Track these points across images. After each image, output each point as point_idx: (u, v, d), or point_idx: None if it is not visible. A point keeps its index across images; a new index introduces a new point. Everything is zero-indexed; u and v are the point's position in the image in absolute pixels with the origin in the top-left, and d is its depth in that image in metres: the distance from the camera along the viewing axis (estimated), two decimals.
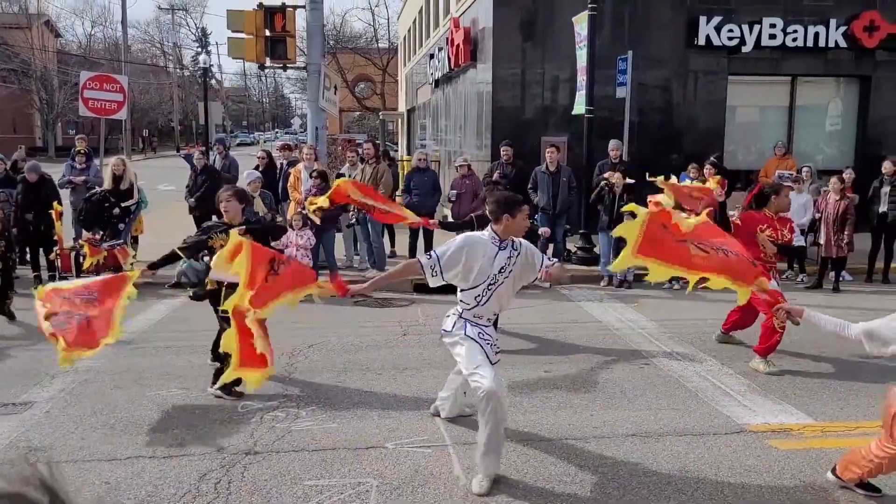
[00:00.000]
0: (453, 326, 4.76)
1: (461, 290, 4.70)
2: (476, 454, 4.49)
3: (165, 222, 14.17)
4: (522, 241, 4.74)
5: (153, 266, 6.29)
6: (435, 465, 4.73)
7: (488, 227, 4.70)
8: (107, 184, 10.37)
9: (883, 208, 11.09)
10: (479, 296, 4.61)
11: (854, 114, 15.30)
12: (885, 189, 11.18)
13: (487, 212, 4.77)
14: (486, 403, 4.36)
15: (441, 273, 4.60)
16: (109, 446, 5.02)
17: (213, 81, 63.53)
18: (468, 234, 4.78)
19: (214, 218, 9.91)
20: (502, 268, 4.58)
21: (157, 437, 5.20)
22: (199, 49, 65.37)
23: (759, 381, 6.41)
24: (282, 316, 8.90)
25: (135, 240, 11.27)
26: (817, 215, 10.57)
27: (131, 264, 9.28)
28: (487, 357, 4.56)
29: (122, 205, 10.13)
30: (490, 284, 4.58)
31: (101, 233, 9.82)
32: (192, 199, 11.93)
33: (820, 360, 7.04)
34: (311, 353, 7.32)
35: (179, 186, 13.39)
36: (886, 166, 11.30)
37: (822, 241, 10.47)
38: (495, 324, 5.03)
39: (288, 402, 5.90)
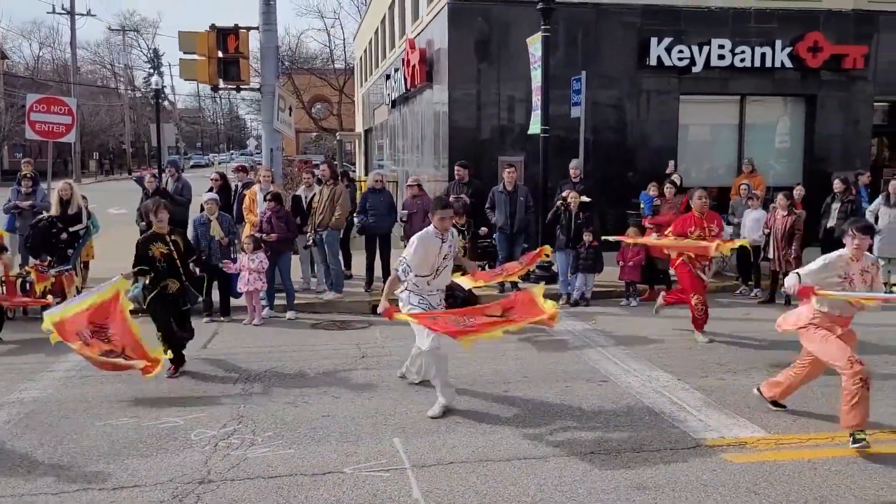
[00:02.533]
0: (403, 301, 6.43)
1: (415, 275, 6.17)
2: (437, 392, 6.10)
3: (117, 246, 13.85)
4: (453, 231, 6.47)
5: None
6: (394, 489, 4.67)
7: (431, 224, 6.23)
8: (54, 209, 10.12)
9: (831, 223, 11.46)
10: (429, 276, 6.23)
11: (801, 131, 15.74)
12: (836, 205, 11.54)
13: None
14: (428, 357, 6.23)
15: (410, 270, 6.13)
16: (56, 479, 4.85)
17: (166, 103, 62.78)
18: (420, 234, 6.23)
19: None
20: (445, 255, 6.25)
21: (106, 468, 5.04)
22: (152, 70, 64.48)
23: (714, 396, 6.49)
24: (236, 340, 8.79)
25: (85, 265, 11.02)
26: (766, 231, 10.80)
27: (77, 290, 9.05)
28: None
29: (71, 230, 9.90)
30: (438, 268, 6.24)
31: (49, 259, 9.58)
32: (144, 223, 11.69)
33: (772, 374, 7.14)
34: (266, 377, 7.19)
35: (131, 210, 13.12)
36: (836, 184, 11.66)
37: (771, 256, 10.69)
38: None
39: (243, 428, 5.78)
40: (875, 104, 15.96)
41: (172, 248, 7.31)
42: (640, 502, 4.47)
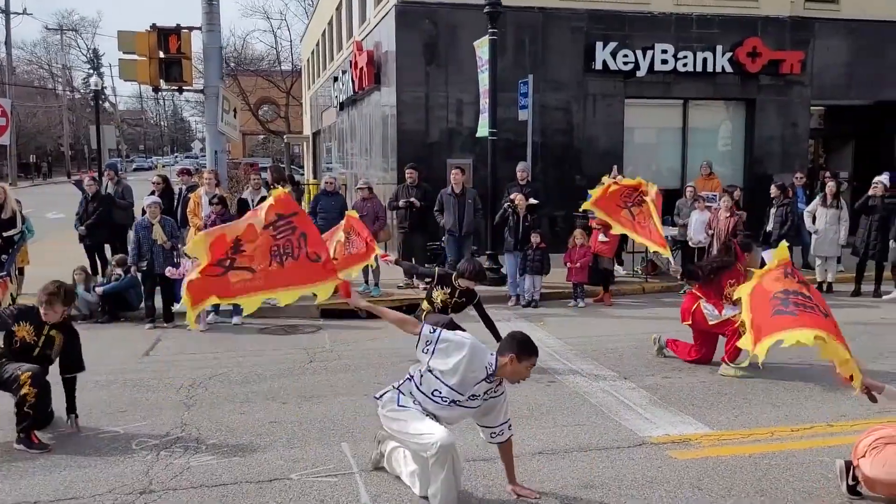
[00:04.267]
0: (384, 398, 4.54)
1: (438, 375, 4.33)
2: None
3: (54, 252, 13.47)
4: (505, 388, 4.53)
5: None
6: (341, 494, 4.61)
7: (491, 354, 4.35)
8: None
9: (769, 227, 11.80)
10: (443, 397, 4.32)
11: (742, 135, 16.16)
12: (773, 210, 11.87)
13: (499, 342, 4.57)
14: (441, 455, 4.10)
15: (431, 355, 4.31)
16: None
17: (107, 104, 61.21)
18: (477, 345, 4.34)
19: (108, 247, 9.42)
20: (474, 395, 4.32)
21: (43, 480, 4.86)
22: (91, 71, 62.87)
23: (659, 394, 6.59)
24: (180, 346, 8.60)
25: (20, 271, 10.64)
26: (710, 232, 11.03)
27: (12, 298, 8.74)
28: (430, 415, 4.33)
29: (4, 234, 9.55)
30: (454, 401, 4.31)
31: None
32: (83, 228, 11.39)
33: (715, 372, 7.31)
34: (211, 384, 7.05)
35: (70, 214, 12.74)
36: (773, 190, 12.00)
37: None
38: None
39: (186, 436, 5.65)
40: (812, 108, 16.49)
41: (42, 342, 5.71)
42: (588, 500, 4.51)
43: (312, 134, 32.20)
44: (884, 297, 10.95)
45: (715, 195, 12.38)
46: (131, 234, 9.50)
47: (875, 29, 15.94)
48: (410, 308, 10.70)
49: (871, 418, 5.91)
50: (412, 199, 11.35)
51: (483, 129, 12.28)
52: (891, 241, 10.86)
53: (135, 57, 11.07)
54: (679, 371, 7.35)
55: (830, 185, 11.79)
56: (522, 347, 4.30)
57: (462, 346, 4.27)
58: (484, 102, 12.21)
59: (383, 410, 4.47)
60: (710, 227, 11.06)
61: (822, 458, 5.08)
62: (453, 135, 14.52)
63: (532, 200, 10.96)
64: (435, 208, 11.33)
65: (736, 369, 7.17)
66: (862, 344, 8.12)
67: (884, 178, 11.81)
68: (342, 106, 21.41)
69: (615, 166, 14.08)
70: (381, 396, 4.55)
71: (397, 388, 4.51)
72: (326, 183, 11.50)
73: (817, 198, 12.11)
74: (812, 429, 5.70)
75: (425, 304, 7.56)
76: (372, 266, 10.36)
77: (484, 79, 12.11)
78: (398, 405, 4.40)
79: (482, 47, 12.08)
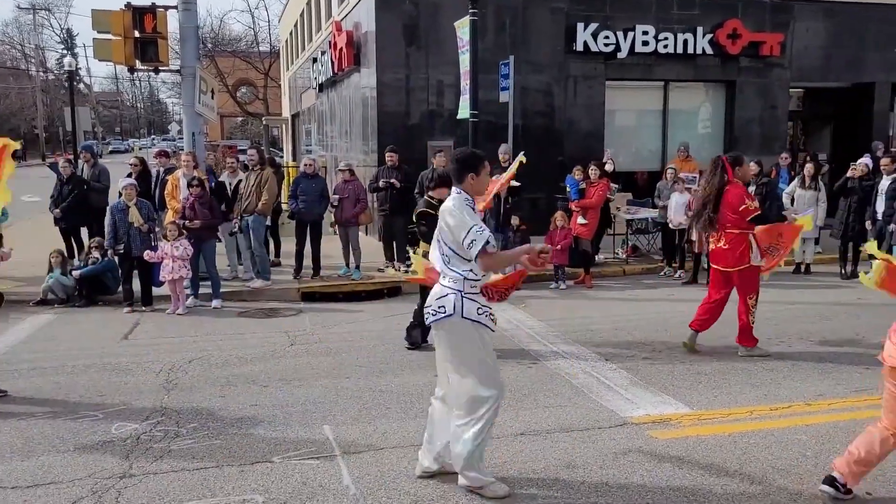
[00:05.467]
0: (459, 307, 4.18)
1: (465, 263, 4.18)
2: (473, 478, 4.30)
3: (28, 235, 13.28)
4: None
5: None
6: (324, 477, 4.60)
7: (454, 191, 4.29)
8: None
9: None
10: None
11: (722, 116, 16.20)
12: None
13: (450, 171, 4.46)
14: (490, 405, 4.22)
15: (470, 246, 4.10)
16: None
17: (81, 85, 60.13)
18: (463, 205, 4.19)
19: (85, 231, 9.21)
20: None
21: (21, 465, 4.80)
22: (65, 51, 61.81)
23: (640, 375, 6.63)
24: (159, 330, 8.53)
25: None
26: (689, 213, 11.05)
27: None
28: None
29: None
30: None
31: None
32: (58, 211, 11.23)
33: (695, 353, 7.36)
34: (191, 368, 6.99)
35: (45, 197, 12.55)
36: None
37: (693, 238, 10.97)
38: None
39: (167, 420, 5.60)
40: (791, 90, 16.57)
41: None
42: (570, 480, 4.53)
43: (292, 116, 31.91)
44: (860, 279, 11.07)
45: (695, 177, 12.41)
46: (107, 217, 9.36)
47: (853, 11, 16.02)
48: (392, 291, 10.71)
49: (848, 397, 6.01)
50: (392, 181, 11.29)
51: (464, 111, 12.20)
52: (867, 223, 10.97)
53: (109, 36, 10.85)
54: (659, 352, 7.40)
55: (809, 167, 11.88)
56: (468, 163, 4.29)
57: (455, 216, 4.16)
58: (465, 84, 12.12)
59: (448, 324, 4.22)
60: (690, 208, 11.09)
61: (800, 437, 5.14)
62: (434, 117, 14.43)
63: (513, 183, 10.93)
64: (416, 191, 11.28)
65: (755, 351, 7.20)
66: (839, 324, 8.23)
67: (866, 159, 11.91)
68: (321, 87, 21.20)
69: (608, 150, 14.08)
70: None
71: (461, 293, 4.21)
72: (306, 165, 11.40)
73: (796, 179, 12.20)
74: (790, 408, 5.77)
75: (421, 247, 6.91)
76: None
77: (465, 60, 12.02)
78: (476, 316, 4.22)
79: (463, 28, 11.98)
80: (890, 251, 10.83)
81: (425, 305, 4.42)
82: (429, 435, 4.56)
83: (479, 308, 4.24)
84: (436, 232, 4.41)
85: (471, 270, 4.22)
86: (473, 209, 4.28)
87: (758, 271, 7.25)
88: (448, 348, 4.32)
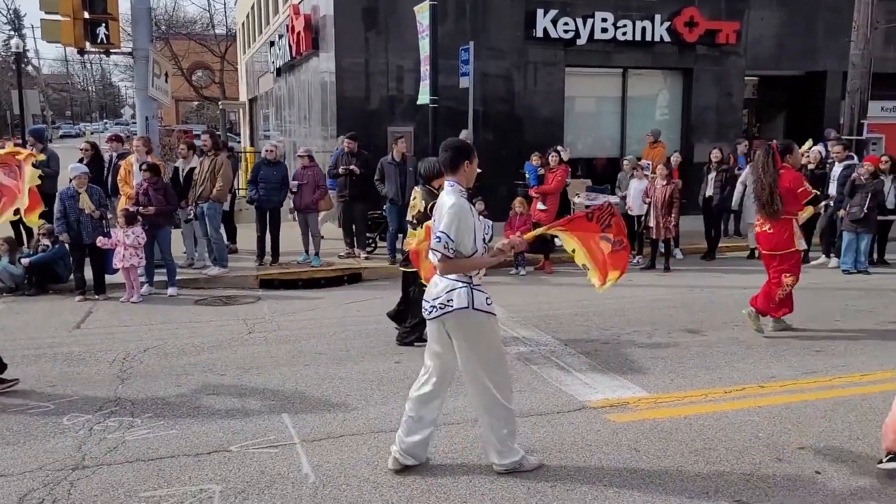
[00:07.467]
0: (470, 299, 4.16)
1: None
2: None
3: None
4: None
5: None
6: (282, 465, 4.56)
7: (448, 185, 4.29)
8: None
9: (709, 192, 12.06)
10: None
11: (679, 104, 16.40)
12: (712, 175, 12.12)
13: (441, 162, 4.40)
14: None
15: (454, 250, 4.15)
16: None
17: (30, 68, 58.41)
18: (455, 200, 4.18)
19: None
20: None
21: None
22: (12, 32, 59.80)
23: (599, 360, 6.70)
24: (113, 319, 8.35)
25: None
26: (647, 200, 11.20)
27: None
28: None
29: None
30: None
31: None
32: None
33: (653, 337, 7.47)
34: (146, 357, 6.86)
35: None
36: (715, 154, 12.23)
37: (651, 224, 11.11)
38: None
39: (121, 410, 5.49)
40: (746, 78, 16.83)
41: None
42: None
43: (249, 100, 31.44)
44: (811, 263, 11.34)
45: (649, 163, 12.56)
46: (57, 204, 9.11)
47: (806, 1, 16.31)
48: (352, 278, 10.64)
49: (799, 379, 6.15)
50: (352, 167, 11.20)
51: (424, 97, 12.15)
52: (819, 209, 11.20)
53: (58, 17, 10.54)
54: (618, 337, 7.48)
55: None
56: (464, 150, 4.35)
57: (461, 217, 4.18)
58: (425, 69, 12.07)
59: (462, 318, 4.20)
60: (648, 195, 11.23)
61: (753, 419, 5.25)
62: (394, 102, 14.34)
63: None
64: (375, 177, 11.20)
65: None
66: (794, 309, 8.39)
67: (820, 147, 12.15)
68: (279, 72, 20.91)
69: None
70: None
71: (469, 285, 4.23)
72: (267, 151, 11.15)
73: (748, 167, 12.39)
74: (744, 390, 5.89)
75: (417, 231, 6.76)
76: None
77: (424, 45, 11.95)
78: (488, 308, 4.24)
79: (422, 13, 11.91)
80: (840, 236, 11.17)
81: (425, 299, 4.36)
82: (406, 429, 4.45)
83: (487, 298, 4.27)
84: (432, 224, 4.40)
85: None
86: (471, 210, 4.26)
87: (800, 255, 7.62)
88: (464, 341, 4.25)
